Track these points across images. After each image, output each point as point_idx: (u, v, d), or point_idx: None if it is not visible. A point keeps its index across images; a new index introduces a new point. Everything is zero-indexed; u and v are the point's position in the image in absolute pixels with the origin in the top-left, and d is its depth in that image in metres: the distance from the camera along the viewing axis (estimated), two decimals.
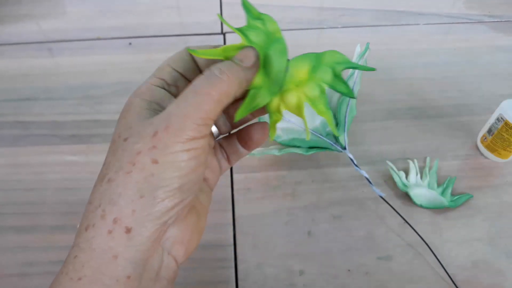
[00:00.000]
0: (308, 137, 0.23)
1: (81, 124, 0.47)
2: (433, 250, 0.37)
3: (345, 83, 0.24)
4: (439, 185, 0.41)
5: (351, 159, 0.35)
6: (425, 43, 0.54)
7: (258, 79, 0.23)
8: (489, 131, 0.42)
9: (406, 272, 0.37)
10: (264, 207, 0.40)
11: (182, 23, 0.56)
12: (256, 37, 0.24)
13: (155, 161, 0.19)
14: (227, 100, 0.21)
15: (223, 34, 0.54)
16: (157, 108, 0.22)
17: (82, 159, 0.44)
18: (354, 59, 0.39)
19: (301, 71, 0.23)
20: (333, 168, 0.43)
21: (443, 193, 0.40)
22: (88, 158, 0.44)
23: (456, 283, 0.36)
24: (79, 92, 0.49)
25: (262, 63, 0.23)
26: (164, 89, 0.24)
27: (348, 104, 0.40)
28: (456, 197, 0.40)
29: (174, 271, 0.22)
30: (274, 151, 0.41)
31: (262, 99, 0.23)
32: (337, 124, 0.38)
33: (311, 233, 0.40)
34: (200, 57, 0.24)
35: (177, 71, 0.24)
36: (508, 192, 0.42)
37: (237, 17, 0.56)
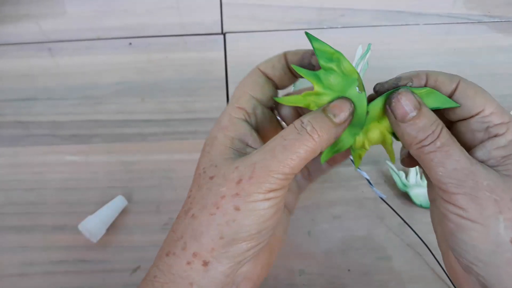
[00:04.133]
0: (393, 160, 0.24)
1: (81, 124, 0.47)
2: (432, 250, 0.37)
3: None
4: None
5: (351, 160, 0.35)
6: (425, 43, 0.54)
7: None
8: None
9: (406, 272, 0.37)
10: None
11: (182, 23, 0.56)
12: (334, 81, 0.23)
13: (237, 208, 0.21)
14: (313, 156, 0.22)
15: (223, 34, 0.54)
16: (239, 145, 0.24)
17: (82, 159, 0.44)
18: (356, 60, 0.39)
19: (379, 108, 0.23)
20: (333, 168, 0.43)
21: None
22: (88, 158, 0.44)
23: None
24: (79, 92, 0.49)
25: None
26: (246, 120, 0.24)
27: None
28: None
29: None
30: None
31: (345, 143, 0.24)
32: None
33: (311, 233, 0.40)
34: (285, 104, 0.24)
35: (255, 98, 0.25)
36: None
37: (237, 17, 0.56)
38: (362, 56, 0.38)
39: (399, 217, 0.38)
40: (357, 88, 0.23)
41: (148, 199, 0.42)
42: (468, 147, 0.23)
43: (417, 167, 0.42)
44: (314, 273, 0.38)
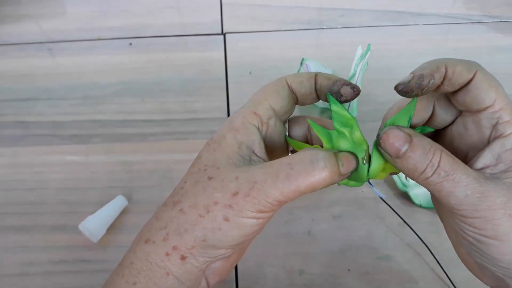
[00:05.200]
0: None
1: (82, 124, 0.47)
2: (432, 250, 0.37)
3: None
4: None
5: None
6: (425, 43, 0.54)
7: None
8: None
9: (405, 272, 0.37)
10: None
11: (182, 23, 0.56)
12: (344, 146, 0.24)
13: (226, 219, 0.22)
14: (310, 192, 0.22)
15: (223, 34, 0.54)
16: (246, 151, 0.24)
17: (82, 159, 0.44)
18: (355, 60, 0.39)
19: (381, 165, 0.24)
20: None
21: None
22: (88, 158, 0.44)
23: (454, 283, 0.36)
24: (79, 92, 0.49)
25: None
26: (257, 128, 0.24)
27: (349, 105, 0.40)
28: None
29: None
30: None
31: (353, 185, 0.25)
32: None
33: (311, 233, 0.40)
34: (293, 146, 0.25)
35: (273, 108, 0.25)
36: None
37: (237, 18, 0.56)
38: (362, 56, 0.38)
39: (399, 217, 0.38)
40: (363, 159, 0.24)
41: (148, 199, 0.42)
42: (475, 144, 0.23)
43: None
44: (314, 273, 0.38)
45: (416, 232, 0.37)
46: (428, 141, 0.21)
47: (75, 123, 0.47)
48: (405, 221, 0.38)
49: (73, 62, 0.52)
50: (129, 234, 0.40)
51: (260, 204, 0.21)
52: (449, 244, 0.39)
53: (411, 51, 0.53)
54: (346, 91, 0.24)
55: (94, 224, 0.38)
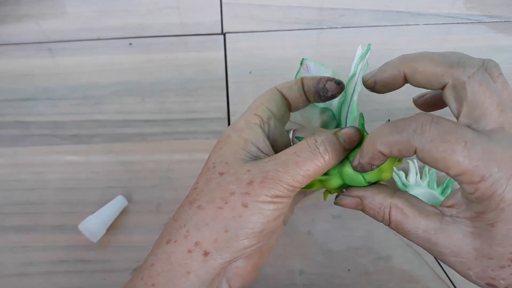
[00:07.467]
0: None
1: (82, 124, 0.47)
2: None
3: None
4: (438, 185, 0.41)
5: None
6: (425, 43, 0.54)
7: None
8: None
9: (405, 272, 0.37)
10: None
11: (182, 23, 0.56)
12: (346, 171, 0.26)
13: (245, 205, 0.22)
14: (319, 174, 0.23)
15: (223, 34, 0.54)
16: (252, 148, 0.25)
17: (82, 159, 0.44)
18: (355, 61, 0.39)
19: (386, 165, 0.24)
20: None
21: (442, 192, 0.40)
22: (88, 158, 0.44)
23: (454, 283, 0.36)
24: (79, 92, 0.49)
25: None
26: (260, 126, 0.26)
27: (349, 105, 0.40)
28: None
29: None
30: None
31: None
32: (338, 126, 0.38)
33: (311, 233, 0.40)
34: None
35: (270, 110, 0.27)
36: None
37: (237, 17, 0.56)
38: (362, 56, 0.37)
39: None
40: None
41: (148, 199, 0.42)
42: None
43: (416, 167, 0.42)
44: (314, 273, 0.38)
45: None
46: (378, 199, 0.23)
47: (75, 123, 0.47)
48: None
49: (73, 62, 0.52)
50: (129, 234, 0.40)
51: (275, 189, 0.22)
52: None
53: (411, 51, 0.53)
54: (331, 86, 0.26)
55: (94, 224, 0.38)
